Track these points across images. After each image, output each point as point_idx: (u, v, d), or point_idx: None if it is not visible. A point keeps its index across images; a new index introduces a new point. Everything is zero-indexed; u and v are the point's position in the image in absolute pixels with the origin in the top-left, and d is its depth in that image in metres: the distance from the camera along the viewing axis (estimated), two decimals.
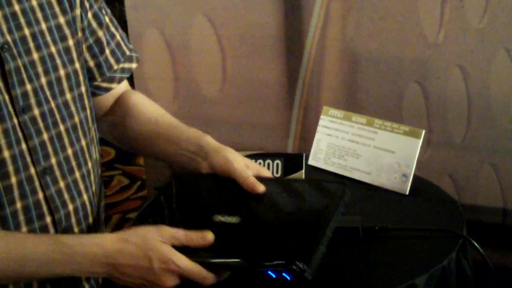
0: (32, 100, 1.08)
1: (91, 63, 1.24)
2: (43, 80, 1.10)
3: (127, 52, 1.31)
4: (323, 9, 2.02)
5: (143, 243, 0.99)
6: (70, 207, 1.13)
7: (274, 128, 2.20)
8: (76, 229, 1.14)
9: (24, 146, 1.06)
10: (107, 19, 1.26)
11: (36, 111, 1.08)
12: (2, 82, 1.04)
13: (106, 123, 1.35)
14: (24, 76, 1.07)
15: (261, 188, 1.12)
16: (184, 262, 0.98)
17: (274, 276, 0.99)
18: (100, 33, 1.24)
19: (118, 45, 1.29)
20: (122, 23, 2.28)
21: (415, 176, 1.39)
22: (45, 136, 1.09)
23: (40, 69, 1.09)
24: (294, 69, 2.12)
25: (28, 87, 1.07)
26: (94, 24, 1.23)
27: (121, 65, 1.29)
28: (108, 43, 1.26)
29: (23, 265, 1.00)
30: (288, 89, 2.15)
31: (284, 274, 0.98)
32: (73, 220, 1.14)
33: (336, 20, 2.03)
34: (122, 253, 0.99)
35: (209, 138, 1.21)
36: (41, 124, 1.09)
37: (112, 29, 1.28)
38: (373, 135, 1.44)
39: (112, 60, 1.27)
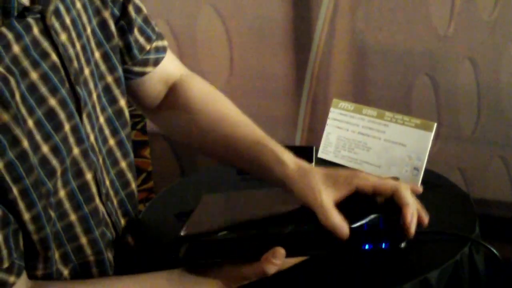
0: (88, 127, 0.95)
1: (120, 43, 1.06)
2: (94, 96, 0.97)
3: (156, 28, 1.13)
4: (332, 1, 2.01)
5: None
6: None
7: (282, 121, 2.19)
8: (114, 200, 1.04)
9: (89, 176, 0.95)
10: None
11: (91, 137, 0.96)
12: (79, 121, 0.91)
13: (160, 117, 1.19)
14: (82, 103, 0.92)
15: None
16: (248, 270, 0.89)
17: (368, 247, 0.91)
18: (130, 8, 1.06)
19: (146, 20, 1.10)
20: None
21: (426, 170, 1.38)
22: (100, 159, 0.98)
23: (91, 85, 0.96)
24: (303, 61, 2.11)
25: (84, 114, 0.93)
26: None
27: (154, 44, 1.11)
28: (135, 20, 1.07)
29: None
30: (296, 81, 2.14)
31: (382, 243, 0.91)
32: (112, 193, 1.04)
33: (345, 12, 2.02)
34: None
35: (288, 159, 0.98)
36: (96, 149, 0.97)
37: (137, 1, 1.10)
38: (383, 128, 1.43)
39: (142, 40, 1.08)
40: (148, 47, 1.09)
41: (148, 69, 1.11)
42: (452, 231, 1.18)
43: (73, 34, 0.92)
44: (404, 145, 1.40)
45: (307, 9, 2.06)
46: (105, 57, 0.99)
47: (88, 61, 0.95)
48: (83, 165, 0.92)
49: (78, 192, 0.92)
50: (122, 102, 1.02)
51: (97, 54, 0.98)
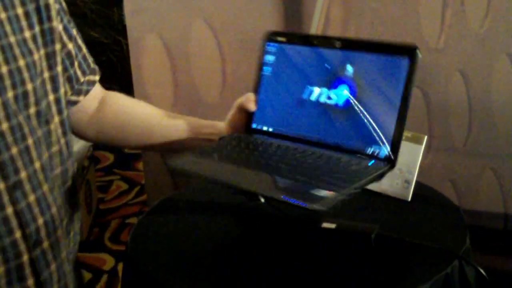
0: (1, 114, 1.06)
1: (64, 74, 1.24)
2: (10, 94, 1.08)
3: (92, 65, 1.34)
4: (323, 14, 2.02)
5: None
6: (40, 221, 1.11)
7: None
8: (46, 243, 1.13)
9: None
10: (75, 31, 1.27)
11: (4, 125, 1.06)
12: None
13: (95, 127, 1.38)
14: None
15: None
16: None
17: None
18: (70, 46, 1.25)
19: (84, 57, 1.31)
20: (121, 28, 2.28)
21: (417, 182, 1.38)
22: (15, 150, 1.07)
23: (7, 82, 1.07)
24: None
25: None
26: (64, 37, 1.24)
27: (87, 77, 1.31)
28: (76, 56, 1.27)
29: None
30: None
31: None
32: (43, 233, 1.12)
33: (336, 25, 2.03)
34: None
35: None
36: (9, 138, 1.07)
37: (79, 41, 1.30)
38: None
39: (79, 72, 1.29)
40: (82, 79, 1.30)
41: (80, 98, 1.31)
42: (442, 245, 1.18)
43: None
44: None
45: (299, 21, 2.07)
46: (27, 67, 1.11)
47: (6, 61, 1.07)
48: None
49: None
50: (29, 86, 1.11)
51: (21, 62, 1.10)
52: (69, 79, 1.26)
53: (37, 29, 1.15)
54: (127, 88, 2.49)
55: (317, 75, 1.21)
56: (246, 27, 2.12)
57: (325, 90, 1.19)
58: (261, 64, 1.27)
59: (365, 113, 1.14)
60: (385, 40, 1.19)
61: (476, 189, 2.02)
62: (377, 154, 1.13)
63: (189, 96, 2.25)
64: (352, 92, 1.16)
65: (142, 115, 1.38)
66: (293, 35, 1.28)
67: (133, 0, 2.20)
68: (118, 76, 4.46)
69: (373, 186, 1.41)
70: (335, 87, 1.18)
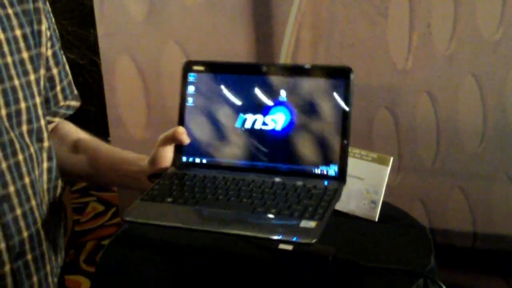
0: None
1: (44, 96, 1.27)
2: (3, 112, 1.12)
3: (75, 91, 1.37)
4: (293, 36, 2.04)
5: None
6: (25, 234, 1.15)
7: None
8: (29, 255, 1.17)
9: None
10: (64, 58, 1.32)
11: None
12: None
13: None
14: None
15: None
16: None
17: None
18: (55, 71, 1.29)
19: (69, 83, 1.35)
20: (98, 49, 2.29)
21: (384, 203, 1.40)
22: (4, 165, 1.11)
23: (1, 101, 1.12)
24: None
25: None
26: (51, 62, 1.28)
27: (67, 102, 1.35)
28: (61, 81, 1.32)
29: None
30: None
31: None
32: (27, 246, 1.16)
33: (306, 47, 2.05)
34: None
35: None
36: (0, 154, 1.11)
37: (67, 68, 1.35)
38: None
39: (60, 96, 1.32)
40: (62, 103, 1.33)
41: (56, 119, 1.35)
42: (406, 265, 1.20)
43: None
44: (362, 179, 1.42)
45: (270, 44, 2.09)
46: (21, 87, 1.16)
47: (1, 80, 1.12)
48: None
49: None
50: (23, 105, 1.16)
51: (16, 82, 1.15)
52: (46, 101, 1.27)
53: (34, 51, 1.19)
54: (103, 108, 2.49)
55: (249, 103, 1.19)
56: (218, 49, 2.14)
57: (259, 116, 1.18)
58: (184, 95, 1.23)
59: (306, 135, 1.15)
60: (318, 64, 1.21)
61: (445, 208, 2.04)
62: (327, 173, 1.14)
63: (161, 118, 2.26)
64: (290, 116, 1.16)
65: (83, 143, 1.36)
66: (215, 64, 1.24)
67: (105, 23, 2.22)
68: (95, 97, 4.46)
69: (340, 207, 1.43)
70: (271, 113, 1.18)
